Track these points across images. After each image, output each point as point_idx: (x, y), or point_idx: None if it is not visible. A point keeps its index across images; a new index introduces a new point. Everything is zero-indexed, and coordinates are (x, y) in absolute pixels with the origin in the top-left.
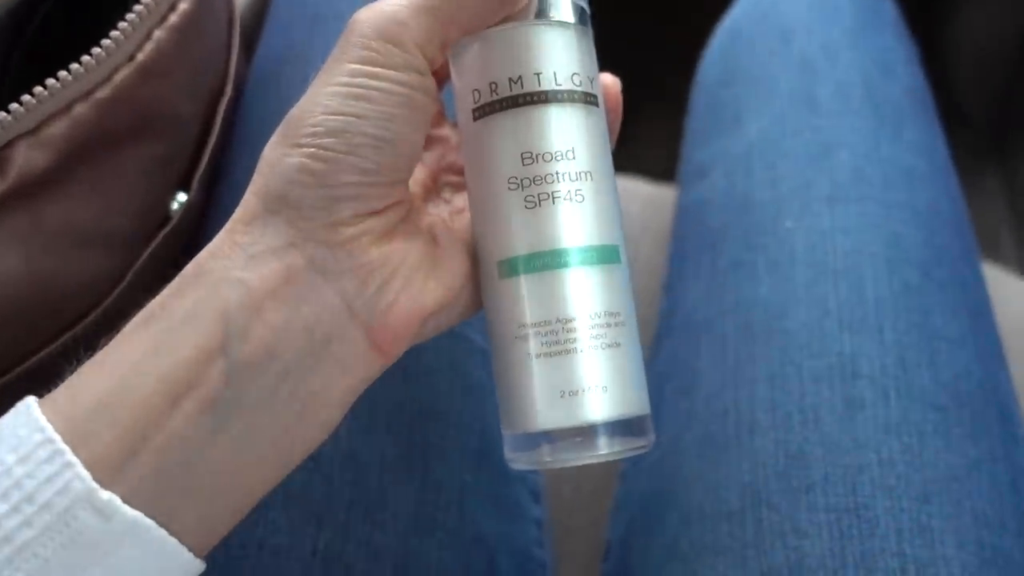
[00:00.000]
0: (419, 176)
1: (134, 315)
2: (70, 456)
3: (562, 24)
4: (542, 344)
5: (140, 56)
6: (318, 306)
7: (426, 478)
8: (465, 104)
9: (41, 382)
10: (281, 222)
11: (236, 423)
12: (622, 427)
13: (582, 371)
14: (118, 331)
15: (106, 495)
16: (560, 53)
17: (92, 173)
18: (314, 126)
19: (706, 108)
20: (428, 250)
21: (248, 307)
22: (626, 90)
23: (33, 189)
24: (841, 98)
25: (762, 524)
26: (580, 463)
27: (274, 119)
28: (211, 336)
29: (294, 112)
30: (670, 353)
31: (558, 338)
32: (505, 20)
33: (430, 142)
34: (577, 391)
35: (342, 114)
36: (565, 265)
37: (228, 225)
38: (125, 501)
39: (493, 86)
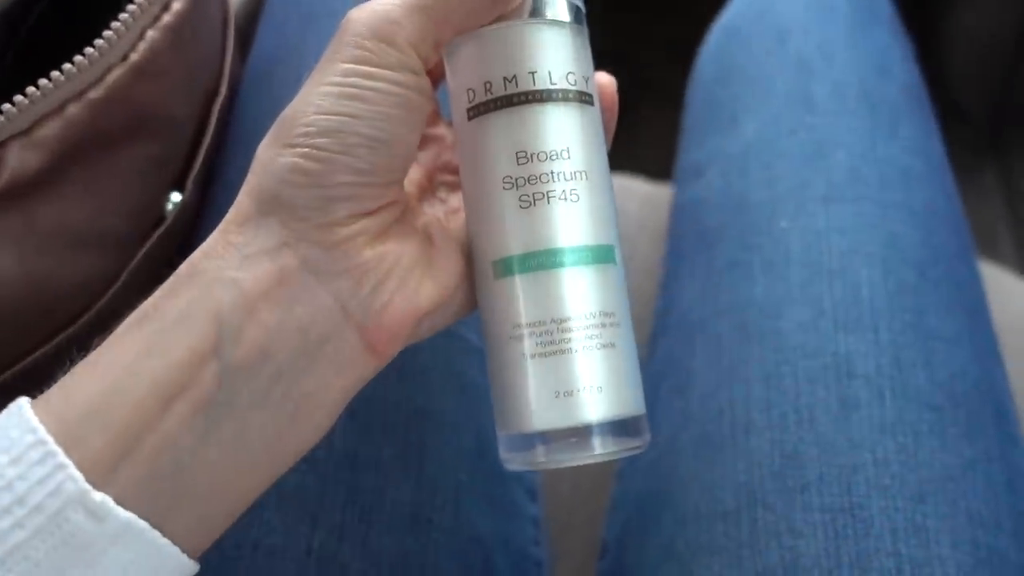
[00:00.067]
0: (414, 176)
1: (128, 315)
2: (62, 458)
3: (557, 23)
4: (537, 344)
5: (133, 56)
6: (312, 307)
7: (421, 477)
8: (459, 103)
9: (34, 383)
10: (274, 223)
11: (229, 424)
12: (617, 427)
13: (577, 371)
14: (112, 331)
15: (99, 497)
16: (555, 52)
17: (86, 173)
18: (307, 126)
19: (702, 107)
20: (423, 250)
21: (241, 308)
22: (623, 88)
23: (26, 190)
24: (837, 98)
25: (757, 524)
26: (575, 464)
27: (268, 118)
28: (204, 338)
29: (287, 112)
30: (666, 352)
31: (553, 338)
32: (499, 19)
33: (425, 141)
34: (572, 391)
35: (336, 114)
36: (560, 265)
37: (221, 226)
38: (118, 503)
39: (487, 85)
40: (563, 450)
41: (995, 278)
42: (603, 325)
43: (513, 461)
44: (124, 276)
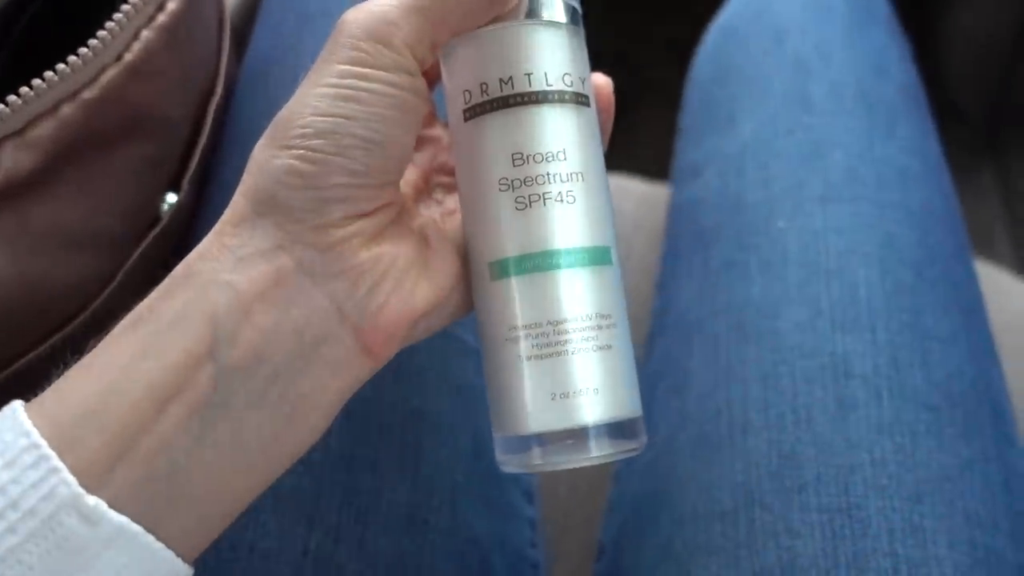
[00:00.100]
0: (410, 177)
1: (123, 317)
2: (56, 462)
3: (553, 24)
4: (533, 346)
5: (128, 56)
6: (307, 309)
7: (417, 478)
8: (456, 105)
9: (29, 384)
10: (270, 224)
11: (225, 427)
12: (614, 430)
13: (573, 373)
14: (107, 332)
15: (92, 501)
16: (551, 53)
17: (80, 174)
18: (303, 127)
19: (699, 107)
20: (419, 251)
21: (237, 310)
22: (621, 88)
23: (20, 190)
24: (834, 98)
25: (755, 524)
26: (572, 466)
27: (264, 119)
28: (199, 340)
29: (283, 113)
30: (663, 353)
31: (549, 340)
32: (496, 20)
33: (421, 142)
34: (568, 393)
35: (331, 115)
36: (556, 267)
37: (217, 227)
38: (112, 506)
39: (484, 86)
40: (559, 452)
41: (992, 278)
42: (599, 327)
43: (509, 463)
44: (119, 277)
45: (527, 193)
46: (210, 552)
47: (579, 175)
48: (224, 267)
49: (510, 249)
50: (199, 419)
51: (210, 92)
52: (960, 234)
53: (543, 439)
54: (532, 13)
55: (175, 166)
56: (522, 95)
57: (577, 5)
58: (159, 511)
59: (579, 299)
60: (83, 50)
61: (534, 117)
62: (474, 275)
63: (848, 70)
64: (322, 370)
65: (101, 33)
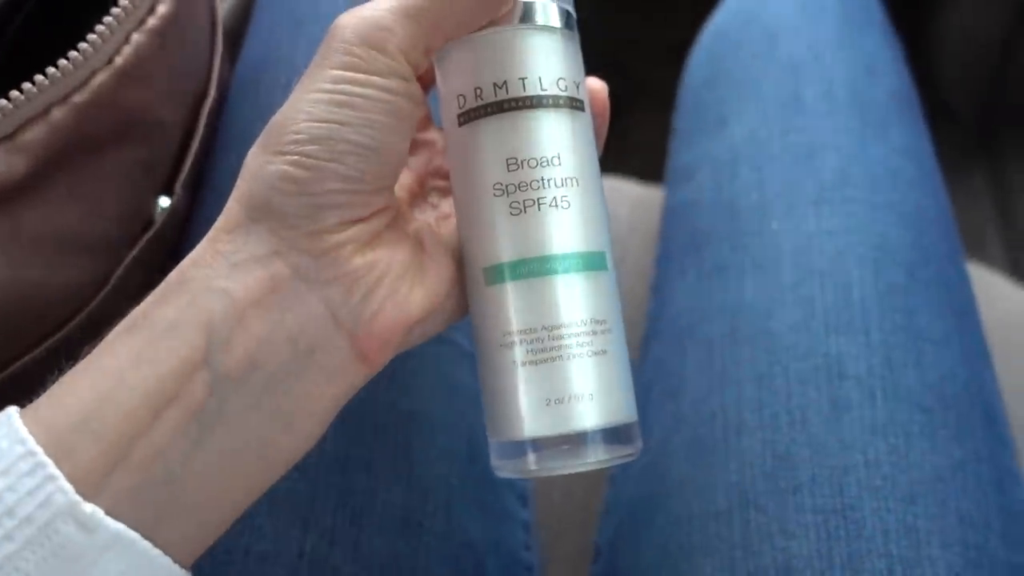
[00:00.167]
0: (405, 181)
1: (118, 322)
2: (52, 469)
3: (547, 28)
4: (528, 352)
5: (118, 60)
6: (302, 315)
7: (412, 481)
8: (450, 109)
9: (23, 389)
10: (264, 230)
11: (220, 434)
12: (609, 435)
13: (568, 379)
14: (101, 338)
15: (89, 508)
16: (545, 58)
17: (71, 178)
18: (296, 133)
19: (692, 109)
20: (414, 256)
21: (232, 317)
22: (615, 91)
23: (11, 195)
24: (827, 100)
25: (750, 525)
26: (567, 472)
27: (257, 123)
28: (194, 347)
29: (276, 119)
30: (657, 356)
31: (544, 346)
32: (490, 25)
33: (417, 146)
34: (563, 399)
35: (325, 121)
36: (551, 272)
37: (211, 233)
38: (108, 513)
39: (478, 91)
40: (554, 458)
41: (984, 280)
42: (595, 332)
43: (504, 468)
44: (113, 281)
45: (522, 198)
46: (206, 557)
47: (574, 180)
48: (218, 273)
49: (505, 254)
50: (195, 425)
51: (203, 95)
52: (952, 236)
53: (538, 444)
54: (526, 18)
55: (168, 170)
56: (516, 100)
57: (571, 9)
58: (155, 517)
59: (574, 304)
60: (73, 54)
61: (529, 122)
62: (469, 280)
63: (841, 72)
64: (317, 376)
65: (91, 37)
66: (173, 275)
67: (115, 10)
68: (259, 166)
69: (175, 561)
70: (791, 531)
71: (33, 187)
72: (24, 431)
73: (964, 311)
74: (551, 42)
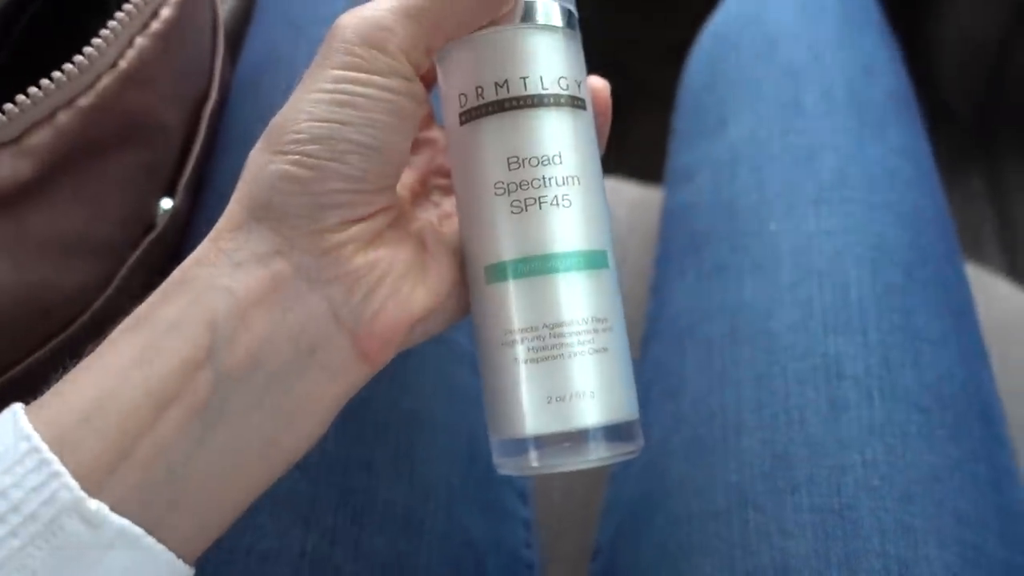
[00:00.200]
0: (407, 180)
1: (121, 321)
2: (57, 466)
3: (549, 27)
4: (529, 349)
5: (123, 64)
6: (304, 314)
7: (413, 480)
8: (451, 108)
9: (28, 388)
10: (266, 229)
11: (222, 432)
12: (610, 433)
13: (570, 376)
14: (105, 337)
15: (94, 504)
16: (547, 57)
17: (76, 181)
18: (298, 133)
19: (692, 111)
20: (416, 255)
21: (235, 315)
22: (616, 92)
23: (17, 198)
24: (825, 101)
25: (748, 525)
26: (568, 469)
27: (258, 124)
28: (197, 345)
29: (277, 119)
30: (657, 356)
31: (545, 343)
32: (491, 24)
33: (419, 145)
34: (565, 397)
35: (326, 121)
36: (552, 270)
37: (213, 233)
38: (113, 509)
39: (479, 90)
40: (556, 455)
41: (981, 280)
42: (596, 330)
43: (506, 466)
44: (116, 282)
45: (523, 197)
46: (208, 555)
47: (575, 179)
48: (221, 272)
49: (506, 253)
50: (197, 424)
51: (204, 98)
52: (950, 236)
53: (540, 442)
54: (528, 17)
55: (170, 172)
56: (517, 99)
57: (573, 8)
58: (159, 514)
59: (576, 303)
60: (79, 58)
61: (530, 121)
62: (471, 278)
63: (839, 73)
64: (319, 375)
65: (96, 41)
66: (175, 274)
67: (119, 14)
68: (260, 166)
69: (179, 556)
70: (789, 531)
71: (39, 190)
72: (29, 428)
73: (962, 311)
74: (552, 41)
